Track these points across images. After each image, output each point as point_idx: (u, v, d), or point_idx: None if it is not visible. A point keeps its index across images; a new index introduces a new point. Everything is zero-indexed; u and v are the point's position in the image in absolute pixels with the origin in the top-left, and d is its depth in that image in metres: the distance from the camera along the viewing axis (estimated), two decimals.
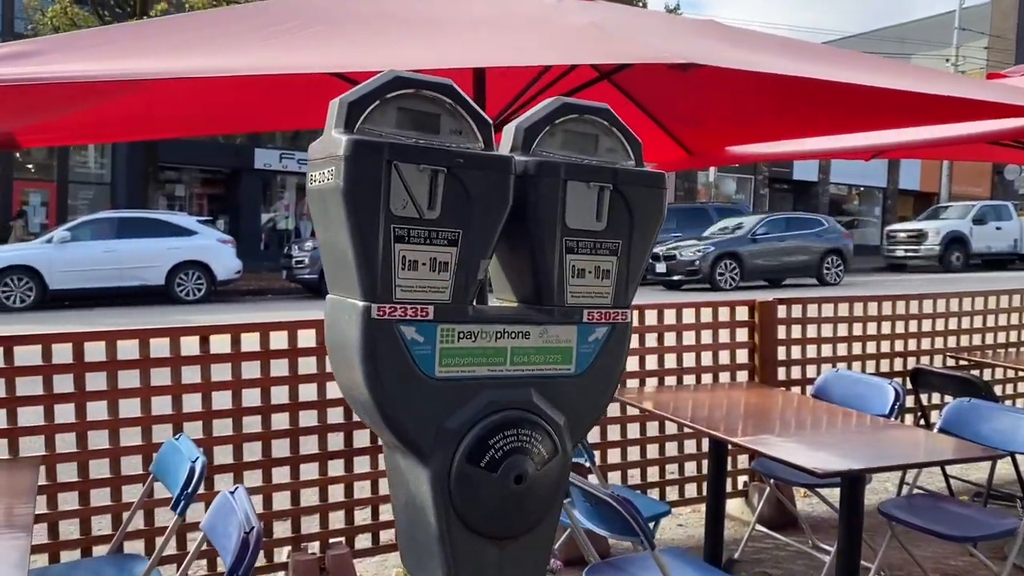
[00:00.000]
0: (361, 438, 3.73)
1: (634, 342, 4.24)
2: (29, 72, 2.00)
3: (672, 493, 4.43)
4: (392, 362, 1.87)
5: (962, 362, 5.07)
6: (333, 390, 3.44)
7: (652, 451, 4.37)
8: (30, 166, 20.94)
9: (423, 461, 1.94)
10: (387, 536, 3.80)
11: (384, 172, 1.75)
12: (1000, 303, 5.36)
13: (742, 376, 4.53)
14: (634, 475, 4.33)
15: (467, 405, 1.94)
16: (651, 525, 3.42)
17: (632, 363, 4.25)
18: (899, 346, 4.99)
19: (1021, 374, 5.31)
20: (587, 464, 3.13)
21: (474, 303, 1.96)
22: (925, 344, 5.09)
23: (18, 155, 19.99)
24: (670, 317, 4.35)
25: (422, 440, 1.92)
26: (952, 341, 5.19)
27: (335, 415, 3.68)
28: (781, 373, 4.59)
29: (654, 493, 4.38)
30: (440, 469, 1.91)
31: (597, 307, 2.06)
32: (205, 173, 24.18)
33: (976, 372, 5.17)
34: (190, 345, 3.39)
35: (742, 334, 4.55)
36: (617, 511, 2.48)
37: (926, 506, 3.51)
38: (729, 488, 4.54)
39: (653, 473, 4.38)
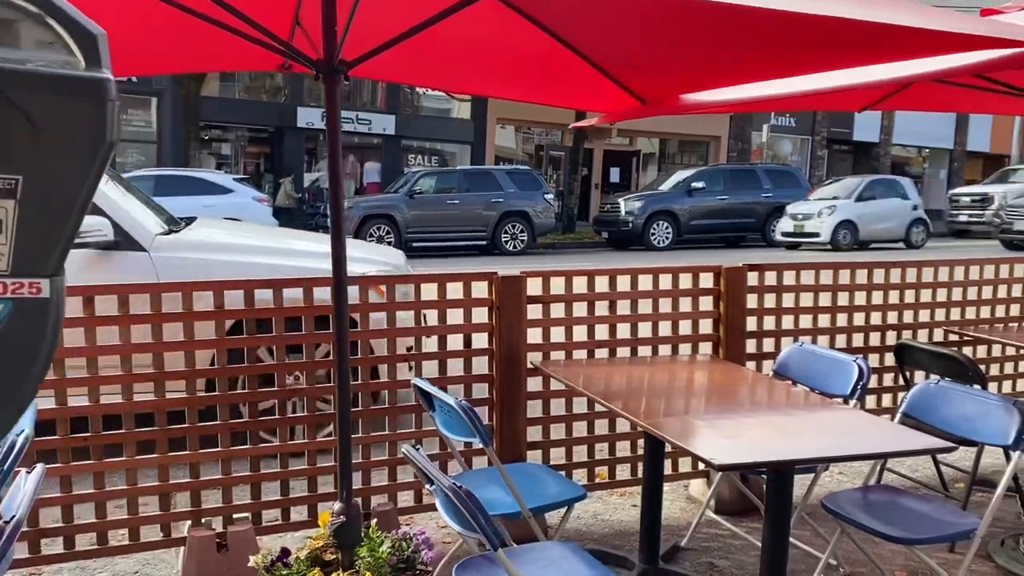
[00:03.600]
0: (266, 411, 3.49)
1: (583, 310, 3.90)
2: None
3: (624, 471, 4.10)
4: None
5: (952, 336, 4.59)
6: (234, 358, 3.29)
7: (601, 426, 4.04)
8: None
9: None
10: (297, 512, 3.58)
11: None
12: (1000, 273, 4.83)
13: (706, 348, 4.15)
14: (580, 452, 4.01)
15: None
16: (565, 510, 3.11)
17: (580, 332, 3.91)
18: (892, 318, 4.53)
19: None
20: (481, 445, 2.82)
21: None
22: (923, 316, 4.62)
23: None
24: (623, 284, 3.98)
25: None
26: (956, 314, 4.71)
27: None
28: (751, 346, 4.20)
29: (603, 471, 4.07)
30: None
31: None
32: (251, 132, 24.28)
33: (976, 348, 4.71)
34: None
35: (706, 303, 4.16)
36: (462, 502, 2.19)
37: (879, 501, 3.11)
38: (691, 468, 4.21)
39: (602, 450, 4.06)
